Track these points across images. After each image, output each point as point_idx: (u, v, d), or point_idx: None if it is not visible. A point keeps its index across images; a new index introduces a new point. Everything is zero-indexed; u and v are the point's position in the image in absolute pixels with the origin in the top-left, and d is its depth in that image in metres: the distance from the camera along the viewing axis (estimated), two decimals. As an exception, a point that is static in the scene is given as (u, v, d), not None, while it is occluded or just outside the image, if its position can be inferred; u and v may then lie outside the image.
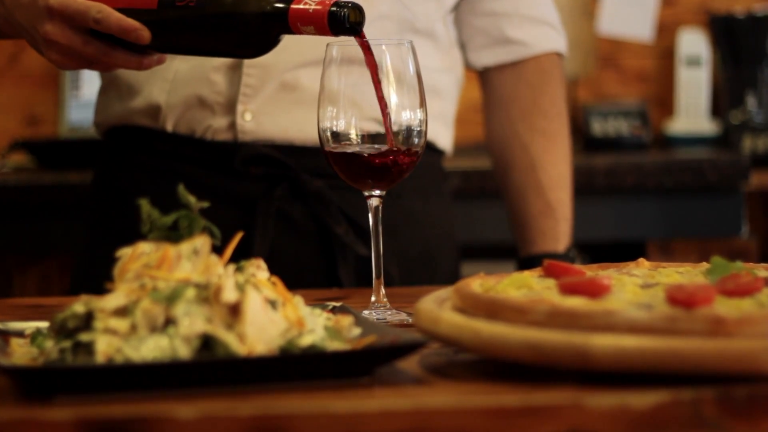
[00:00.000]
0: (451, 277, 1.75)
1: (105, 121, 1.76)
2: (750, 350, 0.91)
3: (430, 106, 1.72)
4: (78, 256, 1.79)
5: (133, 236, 1.05)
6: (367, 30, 1.61)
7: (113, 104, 1.73)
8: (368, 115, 1.30)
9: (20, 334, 1.11)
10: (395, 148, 1.29)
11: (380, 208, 1.33)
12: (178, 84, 1.66)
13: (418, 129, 1.30)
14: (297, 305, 1.04)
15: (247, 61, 1.63)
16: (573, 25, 3.36)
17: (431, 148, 1.76)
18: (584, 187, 2.77)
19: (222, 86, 1.65)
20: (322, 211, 1.65)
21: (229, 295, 0.99)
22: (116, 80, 1.72)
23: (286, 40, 1.39)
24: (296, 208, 1.66)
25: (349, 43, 1.30)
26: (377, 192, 1.32)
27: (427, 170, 1.76)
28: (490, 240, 2.75)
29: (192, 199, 1.08)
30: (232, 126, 1.65)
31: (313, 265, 1.66)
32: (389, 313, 1.30)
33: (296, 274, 1.63)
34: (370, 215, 1.33)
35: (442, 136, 1.78)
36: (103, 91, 1.77)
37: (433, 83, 1.73)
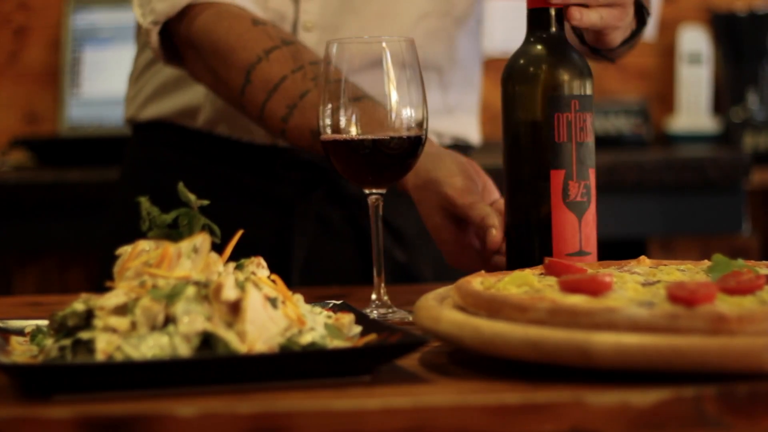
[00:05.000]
0: None
1: (138, 116, 1.74)
2: (751, 348, 0.90)
3: (468, 101, 1.70)
4: (104, 251, 1.78)
5: None
6: (412, 31, 1.60)
7: (148, 99, 1.72)
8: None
9: (20, 332, 1.11)
10: (397, 146, 1.29)
11: (380, 206, 1.33)
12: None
13: (420, 126, 1.30)
14: (297, 303, 1.04)
15: None
16: (574, 22, 3.36)
17: (464, 146, 1.75)
18: (585, 184, 2.77)
19: None
20: (359, 214, 1.66)
21: (230, 293, 0.98)
22: (151, 75, 1.71)
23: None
24: (334, 211, 1.67)
25: (352, 40, 1.30)
26: (378, 190, 1.32)
27: None
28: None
29: (192, 197, 1.08)
30: None
31: (351, 267, 1.66)
32: (390, 311, 1.30)
33: (335, 276, 1.63)
34: (370, 212, 1.33)
35: (474, 131, 1.77)
36: (135, 83, 1.75)
37: (471, 77, 1.72)
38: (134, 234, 1.54)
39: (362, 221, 1.65)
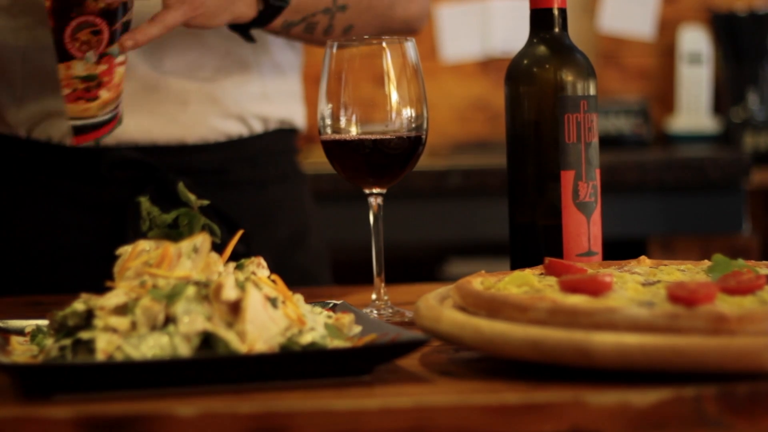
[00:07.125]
0: (319, 253, 1.76)
1: None
2: (752, 348, 0.90)
3: (276, 85, 1.69)
4: None
5: None
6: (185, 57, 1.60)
7: None
8: (367, 112, 1.30)
9: (20, 332, 1.11)
10: (397, 145, 1.29)
11: (382, 206, 1.33)
12: (27, 90, 1.61)
13: (419, 124, 1.30)
14: (297, 303, 1.04)
15: None
16: (574, 22, 3.36)
17: (287, 131, 1.74)
18: (585, 184, 2.77)
19: None
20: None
21: (230, 293, 0.98)
22: None
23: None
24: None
25: (348, 41, 1.30)
26: (378, 190, 1.32)
27: (286, 156, 1.74)
28: (492, 238, 2.75)
29: (192, 197, 1.08)
30: None
31: None
32: (390, 310, 1.30)
33: None
34: (371, 213, 1.33)
35: (297, 115, 1.75)
36: None
37: (277, 60, 1.69)
38: None
39: None
